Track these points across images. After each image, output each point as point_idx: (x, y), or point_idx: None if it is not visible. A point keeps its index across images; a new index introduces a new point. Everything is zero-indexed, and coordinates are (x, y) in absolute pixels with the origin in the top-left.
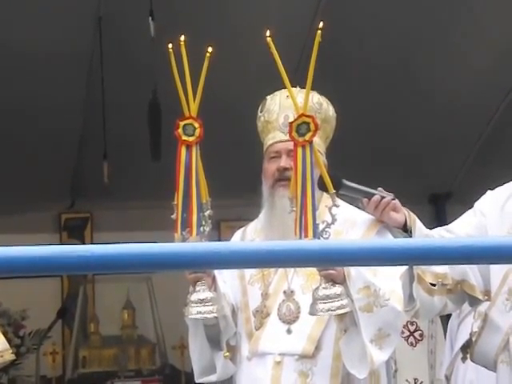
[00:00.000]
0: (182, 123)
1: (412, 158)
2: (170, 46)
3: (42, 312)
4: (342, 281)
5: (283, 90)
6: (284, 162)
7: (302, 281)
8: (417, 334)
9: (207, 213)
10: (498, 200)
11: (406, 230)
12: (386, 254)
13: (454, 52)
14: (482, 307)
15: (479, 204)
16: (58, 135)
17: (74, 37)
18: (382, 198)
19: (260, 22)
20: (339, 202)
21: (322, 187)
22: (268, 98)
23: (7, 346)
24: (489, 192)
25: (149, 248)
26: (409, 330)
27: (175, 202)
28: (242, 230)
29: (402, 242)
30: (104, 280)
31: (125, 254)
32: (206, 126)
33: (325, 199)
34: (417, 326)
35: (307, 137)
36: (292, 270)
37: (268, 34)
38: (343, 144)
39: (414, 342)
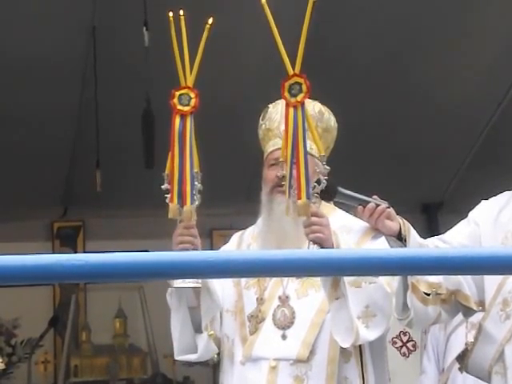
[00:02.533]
0: (177, 93)
1: (404, 167)
2: (171, 14)
3: (34, 321)
4: (329, 246)
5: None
6: (283, 169)
7: (297, 286)
8: (410, 345)
9: (198, 185)
10: (492, 210)
11: (400, 238)
12: (381, 263)
13: (448, 60)
14: (475, 318)
15: (473, 214)
16: (51, 143)
17: (67, 45)
18: (377, 205)
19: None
20: (337, 210)
21: (319, 194)
22: (270, 106)
23: None
24: (483, 202)
25: (143, 257)
26: (402, 341)
27: (167, 172)
28: (239, 233)
29: (397, 251)
30: (96, 289)
31: (119, 263)
32: (201, 134)
33: (323, 207)
34: (409, 336)
35: (299, 97)
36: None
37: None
38: (334, 153)
39: (406, 353)
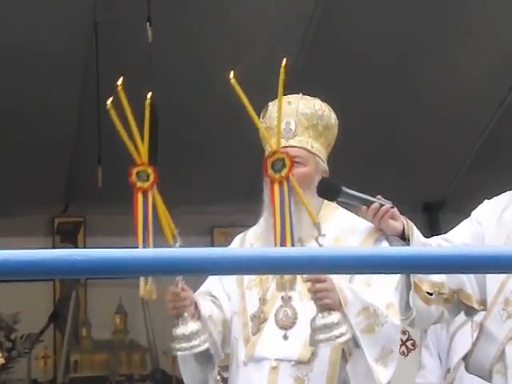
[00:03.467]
0: (135, 170)
1: (405, 166)
2: (110, 100)
3: (34, 316)
4: (338, 307)
5: (284, 96)
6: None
7: (300, 287)
8: (409, 344)
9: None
10: (496, 209)
11: (403, 238)
12: (384, 261)
13: (449, 60)
14: (479, 317)
15: (476, 213)
16: (52, 139)
17: (70, 41)
18: (381, 205)
19: (260, 18)
20: (339, 209)
21: (322, 193)
22: (270, 104)
23: None
24: (486, 201)
25: (146, 253)
26: (401, 340)
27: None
28: (241, 235)
29: (400, 250)
30: (96, 284)
31: (122, 259)
32: (203, 132)
33: (325, 206)
34: (409, 335)
35: (283, 172)
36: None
37: (232, 75)
38: (335, 152)
39: (405, 352)
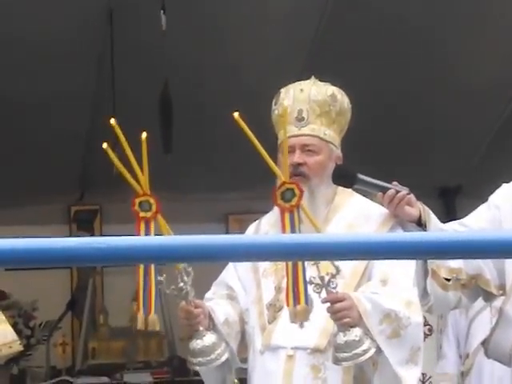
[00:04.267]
0: (137, 200)
1: (421, 151)
2: (105, 145)
3: (52, 303)
4: (358, 321)
5: (297, 83)
6: (297, 157)
7: (315, 275)
8: (426, 329)
9: (185, 280)
10: None
11: (420, 224)
12: (401, 247)
13: (468, 43)
14: (498, 302)
15: (493, 197)
16: (68, 127)
17: (84, 29)
18: (397, 192)
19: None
20: (355, 195)
21: (337, 181)
22: (282, 91)
23: (15, 336)
24: (504, 185)
25: (165, 240)
26: None
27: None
28: (256, 222)
29: (417, 235)
30: (113, 272)
31: (141, 246)
32: (217, 120)
33: (340, 192)
34: (426, 320)
35: (293, 202)
36: (305, 263)
37: (237, 115)
38: (349, 138)
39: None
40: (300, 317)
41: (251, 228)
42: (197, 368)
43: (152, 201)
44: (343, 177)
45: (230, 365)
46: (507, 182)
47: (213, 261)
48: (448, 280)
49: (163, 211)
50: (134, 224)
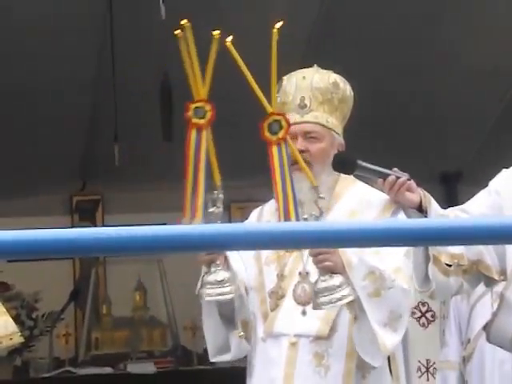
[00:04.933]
0: (193, 105)
1: (422, 136)
2: (179, 31)
3: (55, 294)
4: (340, 271)
5: (299, 70)
6: (300, 144)
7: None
8: (428, 315)
9: (219, 195)
10: None
11: (421, 210)
12: (401, 234)
13: (468, 29)
14: (499, 287)
15: (494, 183)
16: (69, 117)
17: (85, 17)
18: (397, 178)
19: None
20: (357, 182)
21: (337, 168)
22: (284, 78)
23: (16, 328)
24: (504, 170)
25: (168, 230)
26: (420, 311)
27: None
28: (259, 209)
29: (418, 222)
30: (115, 262)
31: (143, 237)
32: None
33: (341, 179)
34: (428, 306)
35: (280, 134)
36: (307, 251)
37: (230, 39)
38: (349, 124)
39: (425, 323)
40: None
41: (254, 214)
42: (207, 299)
43: (208, 107)
44: (343, 163)
45: (234, 313)
46: (507, 168)
47: (216, 249)
48: (449, 266)
49: (165, 201)
50: (186, 132)
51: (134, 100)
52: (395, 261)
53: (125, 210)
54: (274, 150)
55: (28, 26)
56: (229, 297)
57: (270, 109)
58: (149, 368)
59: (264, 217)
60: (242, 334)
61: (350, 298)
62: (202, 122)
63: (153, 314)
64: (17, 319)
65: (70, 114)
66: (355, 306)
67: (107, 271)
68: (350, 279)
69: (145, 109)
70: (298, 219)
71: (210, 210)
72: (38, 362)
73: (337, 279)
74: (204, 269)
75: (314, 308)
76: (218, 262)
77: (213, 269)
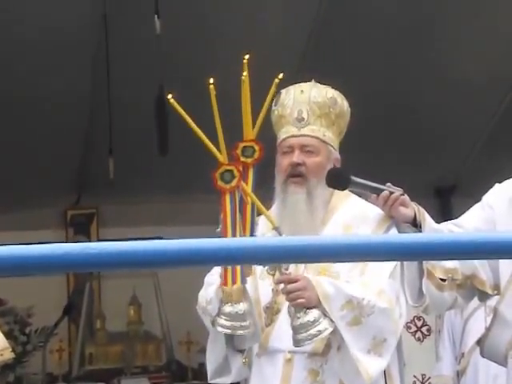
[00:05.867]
0: (241, 144)
1: (416, 151)
2: (211, 82)
3: (48, 309)
4: (316, 304)
5: (297, 84)
6: (296, 157)
7: (313, 277)
8: (424, 329)
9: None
10: (507, 193)
11: (415, 224)
12: (396, 249)
13: (461, 42)
14: (493, 301)
15: (487, 197)
16: (64, 131)
17: (79, 33)
18: (391, 193)
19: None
20: (351, 196)
21: (331, 184)
22: (283, 91)
23: (7, 344)
24: (497, 185)
25: (158, 245)
26: (416, 326)
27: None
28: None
29: (412, 236)
30: (110, 276)
31: (134, 251)
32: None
33: (336, 193)
34: (424, 321)
35: (233, 183)
36: (302, 266)
37: (211, 81)
38: (344, 138)
39: (421, 337)
40: (235, 296)
41: None
42: (225, 331)
43: (235, 171)
44: (337, 179)
45: (245, 341)
46: (500, 182)
47: (210, 264)
48: (443, 280)
49: (160, 215)
50: (220, 198)
51: (128, 113)
52: (379, 283)
53: (120, 224)
54: (227, 198)
55: (22, 43)
56: (243, 332)
57: (221, 159)
58: (143, 383)
59: (259, 231)
60: (247, 360)
61: (328, 332)
62: (232, 184)
63: (147, 329)
64: (10, 334)
65: (65, 128)
66: (338, 338)
67: (101, 285)
68: (327, 311)
69: (139, 122)
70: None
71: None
72: (31, 377)
73: (311, 315)
74: (223, 299)
75: (295, 345)
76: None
77: (232, 302)
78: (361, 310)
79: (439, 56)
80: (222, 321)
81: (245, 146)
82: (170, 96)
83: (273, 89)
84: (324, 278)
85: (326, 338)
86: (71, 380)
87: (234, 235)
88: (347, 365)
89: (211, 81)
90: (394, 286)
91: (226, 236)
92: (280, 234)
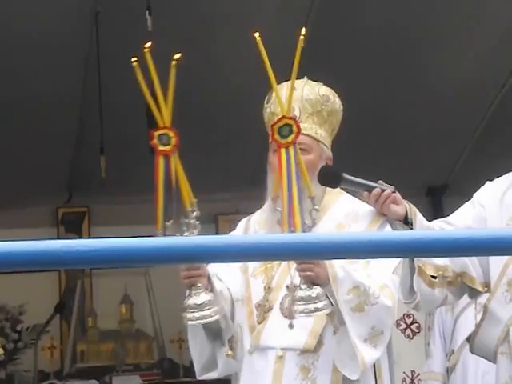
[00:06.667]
0: (156, 133)
1: (408, 150)
2: (135, 59)
3: (40, 307)
4: (323, 282)
5: (289, 81)
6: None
7: None
8: (414, 327)
9: (193, 217)
10: (497, 191)
11: (406, 222)
12: (387, 246)
13: (451, 41)
14: (484, 299)
15: (478, 195)
16: (55, 129)
17: (71, 30)
18: (383, 190)
19: (259, 8)
20: (343, 194)
21: (323, 181)
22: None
23: None
24: (488, 183)
25: (149, 242)
26: (406, 323)
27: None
28: (246, 219)
29: (403, 234)
30: (101, 274)
31: (125, 248)
32: (205, 121)
33: (329, 191)
34: (414, 318)
35: (290, 138)
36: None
37: (257, 34)
38: (336, 137)
39: (411, 335)
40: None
41: (241, 224)
42: (190, 323)
43: (171, 134)
44: (329, 177)
45: (221, 332)
46: (491, 180)
47: (201, 262)
48: (434, 278)
49: (151, 214)
50: (154, 159)
51: (120, 112)
52: (382, 277)
53: (111, 222)
54: (283, 152)
55: (12, 43)
56: (209, 320)
57: (283, 111)
58: (135, 381)
59: (251, 228)
60: (230, 353)
61: (325, 312)
62: (168, 148)
63: (139, 327)
64: (1, 332)
65: (57, 126)
66: (335, 319)
67: (93, 283)
68: (334, 292)
69: (131, 121)
70: (303, 230)
71: (184, 220)
72: (23, 374)
73: (314, 291)
74: (187, 291)
75: (289, 317)
76: (198, 285)
77: (193, 291)
78: (366, 298)
79: (432, 58)
80: (187, 314)
81: (160, 134)
82: (134, 59)
83: (172, 71)
84: (336, 261)
85: (318, 334)
86: (63, 377)
87: (290, 189)
88: (344, 349)
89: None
90: (396, 282)
91: (283, 195)
92: (313, 205)
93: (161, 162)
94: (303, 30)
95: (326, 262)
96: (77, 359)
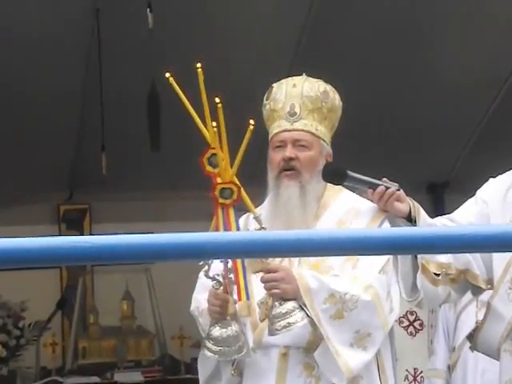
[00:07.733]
0: (219, 187)
1: (409, 147)
2: (199, 65)
3: (42, 303)
4: (294, 296)
5: (289, 78)
6: (289, 151)
7: (296, 271)
8: (416, 324)
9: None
10: (501, 188)
11: (410, 219)
12: (391, 243)
13: (453, 38)
14: (485, 296)
15: (481, 192)
16: (56, 127)
17: (71, 28)
18: (387, 188)
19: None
20: (344, 191)
21: (327, 178)
22: (274, 85)
23: None
24: (491, 180)
25: (150, 238)
26: (408, 320)
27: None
28: (245, 216)
29: (407, 230)
30: (103, 271)
31: (126, 245)
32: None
33: (329, 188)
34: (416, 315)
35: (228, 201)
36: (296, 261)
37: (199, 65)
38: (338, 134)
39: (413, 332)
40: (243, 311)
41: (241, 220)
42: (215, 357)
43: (235, 189)
44: (333, 174)
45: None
46: (494, 177)
47: (201, 258)
48: (437, 275)
49: (153, 211)
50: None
51: (121, 109)
52: (368, 278)
53: (112, 220)
54: (219, 212)
55: (13, 39)
56: (238, 356)
57: (226, 178)
58: (136, 377)
59: (251, 224)
60: (235, 372)
61: (299, 325)
62: (227, 202)
63: (140, 324)
64: (3, 328)
65: (58, 123)
66: (317, 331)
67: (95, 280)
68: (308, 303)
69: (132, 118)
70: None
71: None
72: (25, 371)
73: (285, 306)
74: (211, 320)
75: (270, 334)
76: (228, 318)
77: (222, 325)
78: (343, 305)
79: (432, 55)
80: (210, 345)
81: (223, 188)
82: (168, 74)
83: (248, 135)
84: (308, 272)
85: (319, 335)
86: (64, 374)
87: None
88: (329, 357)
89: (199, 65)
90: (384, 281)
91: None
92: (260, 223)
93: (219, 213)
94: (252, 121)
95: (296, 274)
96: (78, 356)
